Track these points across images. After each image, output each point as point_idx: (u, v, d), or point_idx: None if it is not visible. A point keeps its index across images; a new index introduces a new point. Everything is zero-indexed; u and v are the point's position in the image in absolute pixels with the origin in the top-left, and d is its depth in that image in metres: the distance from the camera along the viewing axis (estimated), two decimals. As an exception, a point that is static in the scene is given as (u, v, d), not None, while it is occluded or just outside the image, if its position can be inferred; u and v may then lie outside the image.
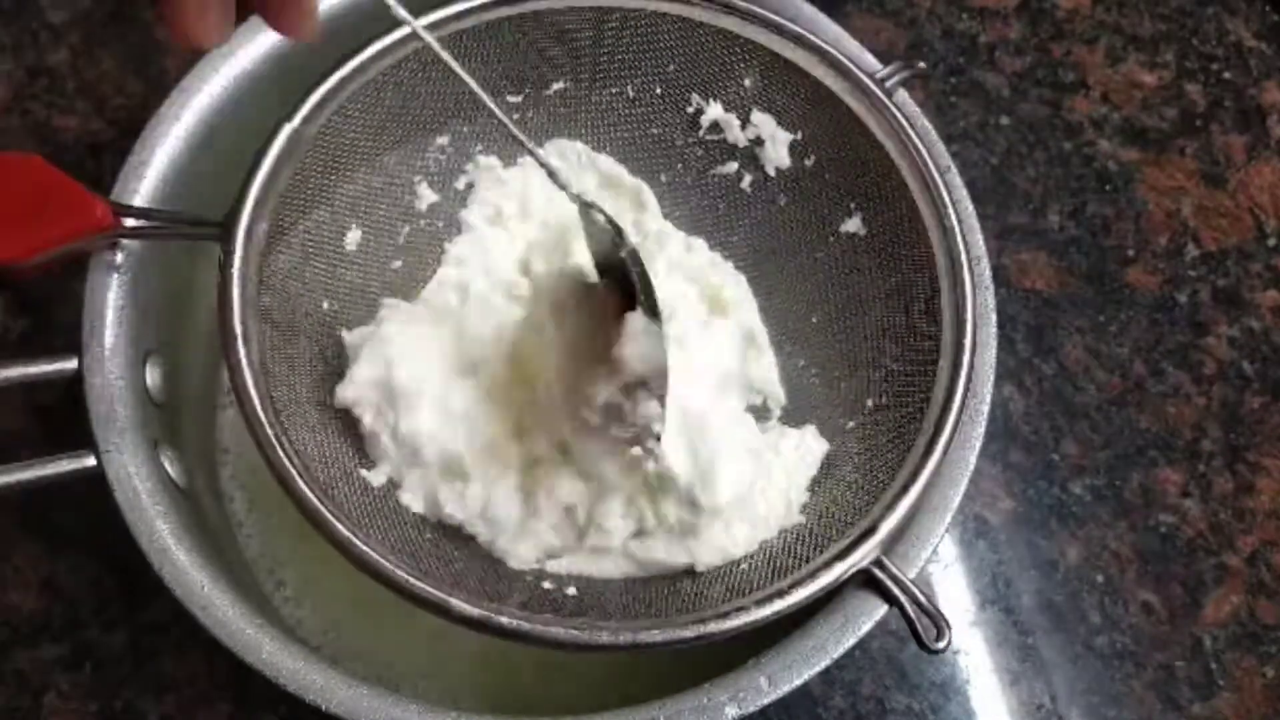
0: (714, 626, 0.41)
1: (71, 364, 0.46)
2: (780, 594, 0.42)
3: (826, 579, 0.42)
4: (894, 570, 0.43)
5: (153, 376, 0.49)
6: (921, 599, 0.42)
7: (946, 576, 0.58)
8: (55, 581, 0.55)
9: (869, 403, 0.50)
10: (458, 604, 0.40)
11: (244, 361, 0.43)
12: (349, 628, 0.54)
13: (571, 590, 0.46)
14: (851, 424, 0.50)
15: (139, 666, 0.54)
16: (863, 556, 0.42)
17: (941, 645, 0.42)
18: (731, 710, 0.41)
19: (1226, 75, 0.71)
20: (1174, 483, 0.61)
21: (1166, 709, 0.56)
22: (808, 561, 0.44)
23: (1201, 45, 0.72)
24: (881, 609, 0.43)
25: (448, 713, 0.41)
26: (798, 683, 0.42)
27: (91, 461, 0.44)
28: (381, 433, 0.48)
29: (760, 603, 0.42)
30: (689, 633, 0.41)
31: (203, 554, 0.44)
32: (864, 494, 0.46)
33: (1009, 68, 0.70)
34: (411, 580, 0.40)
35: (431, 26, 0.49)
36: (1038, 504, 0.60)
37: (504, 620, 0.40)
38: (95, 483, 0.44)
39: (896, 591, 0.42)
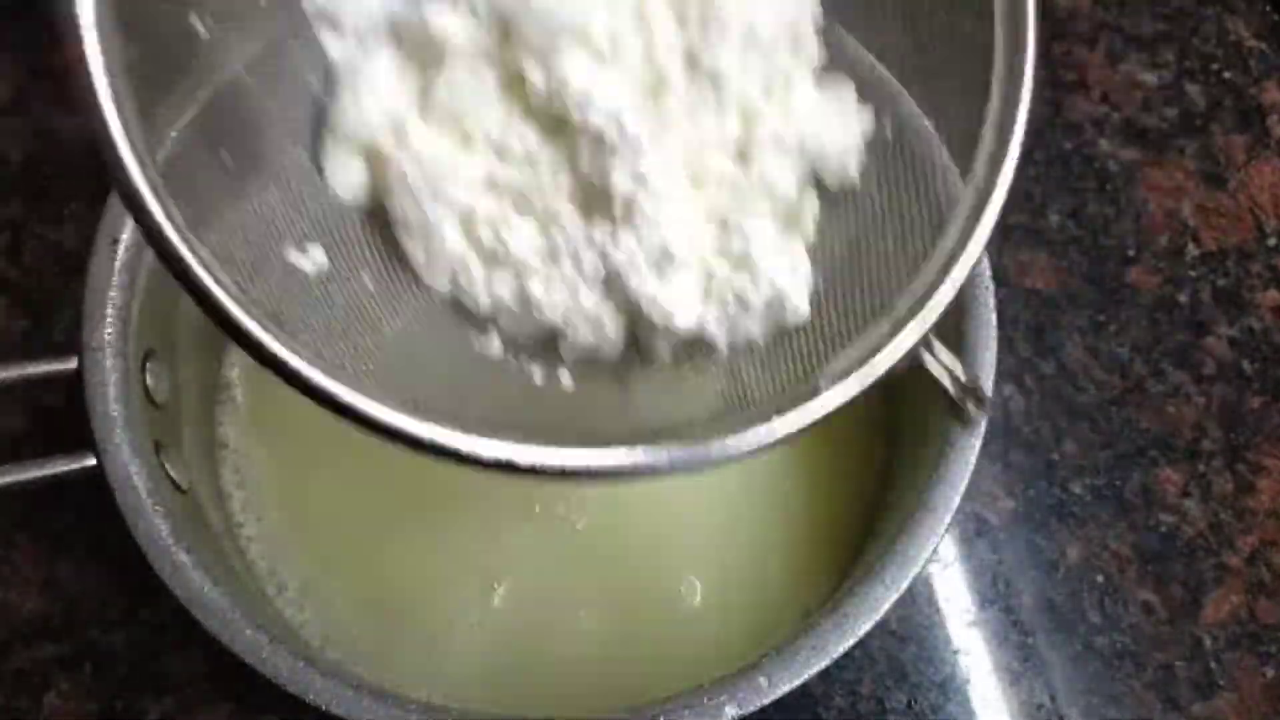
0: (778, 424, 0.35)
1: (71, 364, 0.45)
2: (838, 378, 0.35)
3: (886, 357, 0.36)
4: (939, 348, 0.40)
5: (153, 376, 0.49)
6: (961, 375, 0.41)
7: (946, 576, 0.58)
8: (55, 581, 0.55)
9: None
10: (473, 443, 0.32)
11: (105, 98, 0.30)
12: (350, 628, 0.54)
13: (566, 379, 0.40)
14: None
15: (139, 666, 0.54)
16: (914, 332, 0.36)
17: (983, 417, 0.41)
18: (731, 710, 0.41)
19: (1226, 75, 0.71)
20: (1174, 483, 0.61)
21: (1166, 709, 0.56)
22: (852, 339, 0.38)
23: (1201, 45, 0.72)
24: (882, 609, 0.43)
25: (448, 713, 0.41)
26: (797, 683, 0.42)
27: (91, 461, 0.44)
28: None
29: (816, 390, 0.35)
30: (757, 438, 0.35)
31: (203, 554, 0.44)
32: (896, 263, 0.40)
33: (1009, 68, 0.70)
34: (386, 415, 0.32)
35: None
36: (1038, 504, 0.60)
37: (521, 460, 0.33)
38: (95, 483, 0.44)
39: (946, 362, 0.40)
